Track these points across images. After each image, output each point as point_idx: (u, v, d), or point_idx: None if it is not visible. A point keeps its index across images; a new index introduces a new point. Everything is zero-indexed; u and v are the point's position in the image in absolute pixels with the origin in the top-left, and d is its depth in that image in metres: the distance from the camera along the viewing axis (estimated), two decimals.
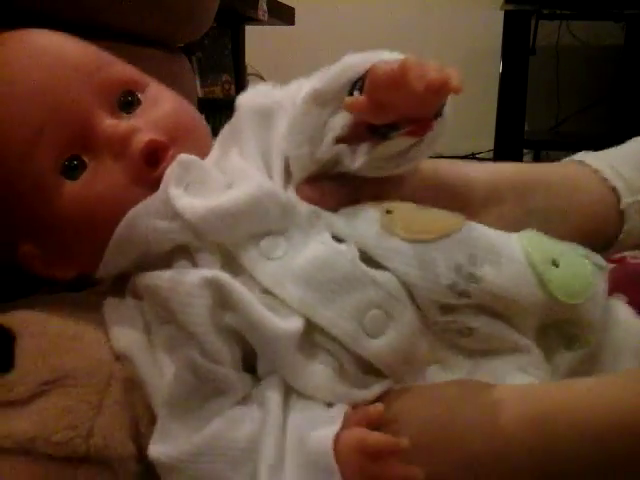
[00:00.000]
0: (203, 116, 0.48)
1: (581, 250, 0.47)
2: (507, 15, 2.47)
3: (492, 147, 2.63)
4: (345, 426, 0.39)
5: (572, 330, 0.44)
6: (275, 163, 0.45)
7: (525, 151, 2.65)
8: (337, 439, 0.38)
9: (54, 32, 0.47)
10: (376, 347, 0.41)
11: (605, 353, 0.45)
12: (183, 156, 0.44)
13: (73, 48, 0.46)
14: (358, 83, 0.43)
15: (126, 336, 0.44)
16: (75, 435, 0.40)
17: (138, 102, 0.46)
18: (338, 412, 0.40)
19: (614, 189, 0.54)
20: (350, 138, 0.44)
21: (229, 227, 0.42)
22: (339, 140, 0.43)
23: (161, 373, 0.42)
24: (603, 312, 0.45)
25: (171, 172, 0.43)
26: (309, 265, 0.41)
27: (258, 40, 2.85)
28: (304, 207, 0.44)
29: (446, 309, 0.42)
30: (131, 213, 0.43)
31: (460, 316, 0.42)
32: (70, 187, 0.43)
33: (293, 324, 0.40)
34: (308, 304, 0.41)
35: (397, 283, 0.41)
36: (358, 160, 0.43)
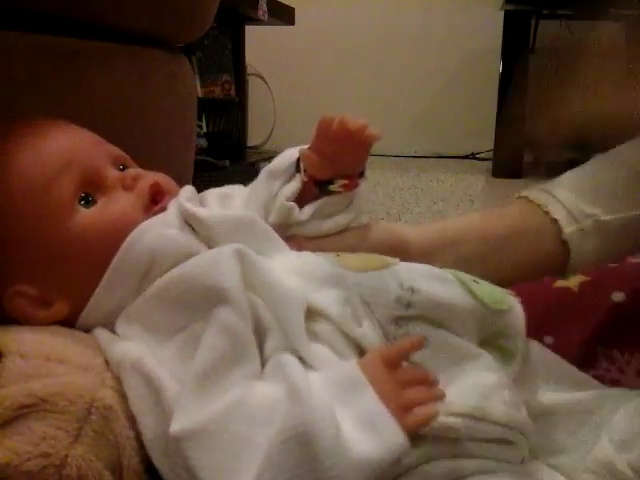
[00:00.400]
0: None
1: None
2: (507, 15, 2.47)
3: (492, 147, 2.64)
4: (362, 358, 0.43)
5: (504, 344, 0.50)
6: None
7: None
8: (360, 365, 0.42)
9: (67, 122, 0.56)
10: (361, 332, 0.46)
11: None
12: (189, 186, 0.54)
13: (83, 129, 0.55)
14: (297, 166, 0.56)
15: (135, 347, 0.45)
16: (48, 464, 0.38)
17: None
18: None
19: (555, 221, 0.58)
20: (297, 205, 0.54)
21: (236, 233, 0.49)
22: (293, 197, 0.55)
23: (171, 375, 0.43)
24: (524, 326, 0.50)
25: (181, 194, 0.52)
26: (298, 262, 0.49)
27: (258, 40, 2.86)
28: (277, 236, 0.52)
29: (399, 321, 0.47)
30: (140, 226, 0.49)
31: (413, 327, 0.47)
32: (85, 213, 0.49)
33: (300, 296, 0.46)
34: (306, 289, 0.46)
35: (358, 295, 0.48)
36: (305, 213, 0.54)
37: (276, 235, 0.52)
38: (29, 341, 0.44)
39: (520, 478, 0.45)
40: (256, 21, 2.45)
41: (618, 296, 0.64)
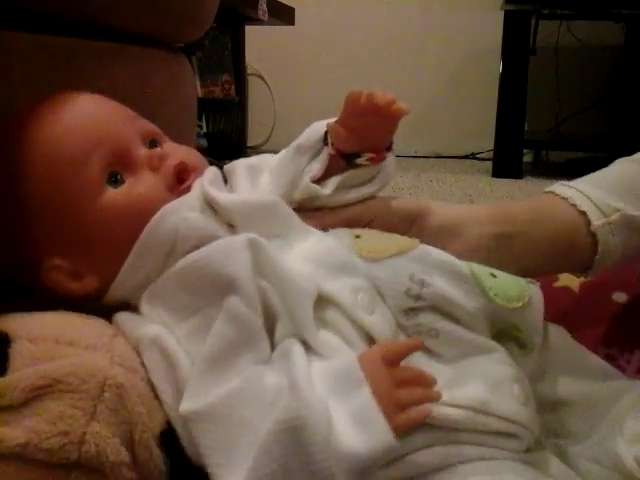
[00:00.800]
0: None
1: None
2: (507, 15, 2.47)
3: (492, 147, 2.64)
4: (362, 353, 0.44)
5: (520, 336, 0.50)
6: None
7: (525, 151, 2.65)
8: (358, 360, 0.43)
9: (101, 95, 0.57)
10: (370, 320, 0.47)
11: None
12: (212, 167, 0.55)
13: (117, 103, 0.56)
14: (325, 140, 0.55)
15: (154, 325, 0.47)
16: (67, 442, 0.40)
17: (161, 147, 0.56)
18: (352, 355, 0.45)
19: (583, 213, 0.57)
20: (323, 178, 0.55)
21: (255, 218, 0.50)
22: (314, 181, 0.55)
23: (188, 354, 0.45)
24: (541, 320, 0.50)
25: (205, 175, 0.53)
26: (315, 250, 0.50)
27: (258, 40, 2.86)
28: (299, 220, 0.53)
29: (409, 313, 0.48)
30: (163, 208, 0.50)
31: (423, 318, 0.48)
32: (112, 193, 0.51)
33: (310, 285, 0.47)
34: (318, 276, 0.48)
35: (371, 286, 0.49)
36: (330, 187, 0.55)
37: (297, 219, 0.53)
38: (37, 326, 0.45)
39: (521, 466, 0.45)
40: (256, 21, 2.45)
41: (619, 296, 0.64)
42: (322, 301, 0.47)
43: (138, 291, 0.50)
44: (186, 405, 0.42)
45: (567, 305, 0.66)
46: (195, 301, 0.47)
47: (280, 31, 2.84)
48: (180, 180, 0.53)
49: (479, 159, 3.01)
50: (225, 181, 0.57)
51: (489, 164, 2.66)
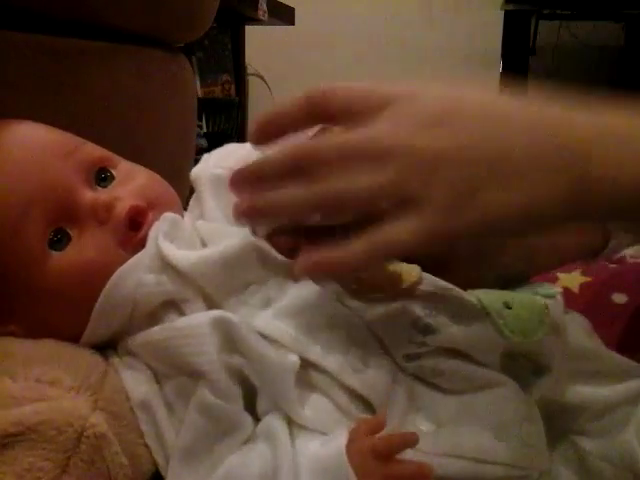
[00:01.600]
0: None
1: (529, 289, 0.49)
2: (507, 15, 2.47)
3: None
4: (352, 439, 0.40)
5: (538, 359, 0.46)
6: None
7: None
8: (347, 451, 0.39)
9: (31, 123, 0.50)
10: (359, 381, 0.43)
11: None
12: (168, 214, 0.47)
13: (49, 136, 0.50)
14: None
15: (141, 386, 0.44)
16: None
17: (112, 177, 0.49)
18: (341, 432, 0.41)
19: None
20: None
21: (219, 275, 0.44)
22: None
23: (177, 423, 0.43)
24: (562, 342, 0.47)
25: (157, 228, 0.46)
26: (297, 306, 0.44)
27: (258, 40, 2.86)
28: (281, 257, 0.46)
29: (412, 356, 0.44)
30: (118, 271, 0.45)
31: (426, 361, 0.44)
32: (58, 257, 0.45)
33: (290, 359, 0.43)
34: (300, 341, 0.43)
35: (367, 330, 0.44)
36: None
37: (277, 257, 0.46)
38: (19, 361, 0.42)
39: None
40: (256, 21, 2.44)
41: (619, 297, 0.64)
42: (307, 365, 0.43)
43: (110, 343, 0.47)
44: None
45: (566, 306, 0.66)
46: (169, 370, 0.44)
47: (280, 31, 2.83)
48: (135, 226, 0.46)
49: None
50: (191, 193, 0.51)
51: None
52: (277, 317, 0.44)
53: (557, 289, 0.49)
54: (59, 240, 0.46)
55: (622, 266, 0.71)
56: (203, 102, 2.24)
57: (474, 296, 0.45)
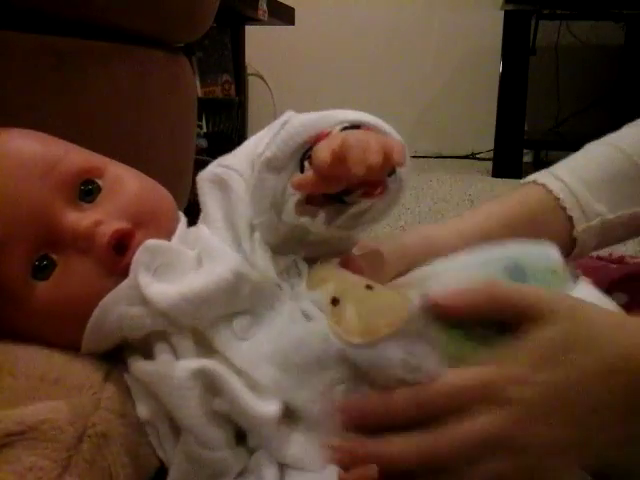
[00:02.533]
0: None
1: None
2: (507, 15, 2.47)
3: (492, 147, 2.64)
4: None
5: None
6: (241, 228, 0.44)
7: (525, 151, 2.65)
8: None
9: (12, 133, 0.47)
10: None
11: None
12: (149, 242, 0.44)
13: (29, 149, 0.46)
14: (308, 154, 0.43)
15: (147, 404, 0.43)
16: None
17: (98, 189, 0.46)
18: (331, 472, 0.40)
19: (570, 218, 0.59)
20: (312, 199, 0.43)
21: (200, 311, 0.42)
22: (303, 202, 0.43)
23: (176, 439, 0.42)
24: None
25: (138, 259, 0.43)
26: (283, 346, 0.42)
27: (258, 40, 2.86)
28: (269, 284, 0.44)
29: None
30: (102, 303, 0.43)
31: None
32: (42, 287, 0.44)
33: (272, 407, 0.41)
34: (283, 386, 0.41)
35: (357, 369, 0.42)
36: (320, 221, 0.43)
37: (271, 287, 0.43)
38: (23, 360, 0.42)
39: None
40: (256, 21, 2.44)
41: (619, 297, 0.64)
42: (290, 409, 0.42)
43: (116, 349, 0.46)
44: None
45: None
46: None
47: (280, 31, 2.83)
48: (121, 249, 0.43)
49: (479, 159, 3.01)
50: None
51: (489, 164, 2.66)
52: (262, 354, 0.42)
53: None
54: (44, 267, 0.44)
55: (622, 266, 0.71)
56: (203, 102, 2.24)
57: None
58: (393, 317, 0.42)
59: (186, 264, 0.44)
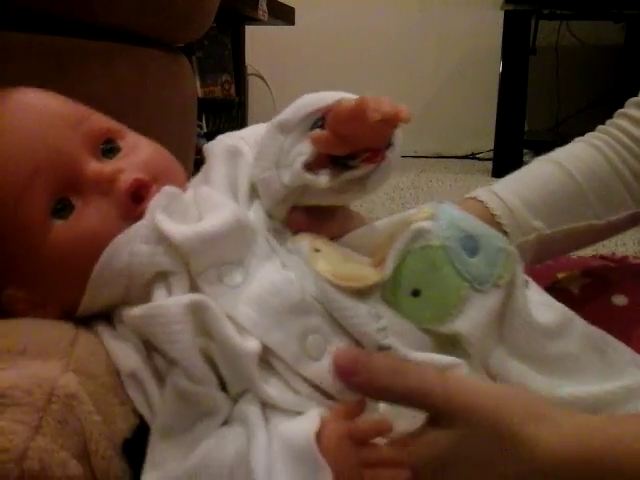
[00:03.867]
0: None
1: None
2: (507, 15, 2.47)
3: (492, 147, 2.64)
4: (328, 422, 0.41)
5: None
6: (241, 188, 0.49)
7: (525, 151, 2.65)
8: (321, 434, 0.40)
9: (40, 90, 0.51)
10: (316, 370, 0.44)
11: None
12: (167, 187, 0.48)
13: (58, 103, 0.50)
14: (318, 122, 0.47)
15: (130, 357, 0.44)
16: (7, 459, 0.37)
17: (118, 149, 0.50)
18: (314, 413, 0.42)
19: (506, 233, 0.61)
20: (316, 164, 0.47)
21: (206, 251, 0.45)
22: (306, 165, 0.47)
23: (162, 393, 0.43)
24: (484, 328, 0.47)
25: (156, 201, 0.46)
26: (264, 291, 0.45)
27: (258, 40, 2.86)
28: (261, 236, 0.48)
29: (380, 348, 0.44)
30: (114, 240, 0.45)
31: (394, 348, 0.44)
32: (60, 226, 0.46)
33: (252, 343, 0.43)
34: (261, 326, 0.44)
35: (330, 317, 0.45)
36: (324, 179, 0.47)
37: (260, 239, 0.47)
38: None
39: None
40: (256, 21, 2.45)
41: (619, 299, 0.64)
42: (268, 351, 0.44)
43: (108, 310, 0.47)
44: (149, 476, 0.41)
45: (566, 307, 0.66)
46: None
47: (280, 31, 2.83)
48: (138, 198, 0.47)
49: (479, 159, 3.01)
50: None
51: (489, 164, 2.66)
52: (245, 300, 0.44)
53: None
54: (62, 209, 0.46)
55: (623, 267, 0.71)
56: (203, 102, 2.24)
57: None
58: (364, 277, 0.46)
59: (192, 215, 0.48)
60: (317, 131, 0.46)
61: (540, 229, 0.63)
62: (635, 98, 0.68)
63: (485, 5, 2.89)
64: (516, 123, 2.54)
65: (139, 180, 0.47)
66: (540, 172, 0.67)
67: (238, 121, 2.57)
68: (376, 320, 0.45)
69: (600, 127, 0.71)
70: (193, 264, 0.45)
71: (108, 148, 0.49)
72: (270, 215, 0.49)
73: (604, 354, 0.50)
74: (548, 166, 0.67)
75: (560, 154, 0.68)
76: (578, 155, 0.67)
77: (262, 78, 3.18)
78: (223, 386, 0.44)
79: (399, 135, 0.47)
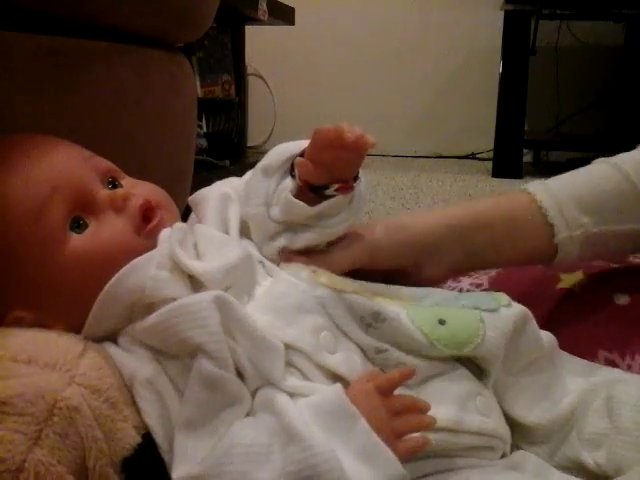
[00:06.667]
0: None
1: (471, 301, 0.54)
2: (507, 15, 2.47)
3: (492, 147, 2.64)
4: (353, 384, 0.45)
5: (477, 362, 0.52)
6: (232, 227, 0.54)
7: (525, 151, 2.65)
8: (348, 393, 0.43)
9: (52, 136, 0.55)
10: (334, 361, 0.47)
11: None
12: (179, 224, 0.52)
13: (68, 143, 0.54)
14: (296, 158, 0.53)
15: (145, 366, 0.46)
16: (4, 469, 0.36)
17: (121, 186, 0.54)
18: (336, 385, 0.45)
19: (552, 225, 0.62)
20: (298, 197, 0.52)
21: (226, 279, 0.49)
22: (294, 193, 0.52)
23: (180, 398, 0.44)
24: (499, 349, 0.51)
25: (169, 232, 0.50)
26: (271, 297, 0.50)
27: (258, 40, 2.86)
28: (257, 264, 0.53)
29: (379, 350, 0.49)
30: (134, 262, 0.48)
31: (391, 354, 0.49)
32: (77, 240, 0.49)
33: (277, 341, 0.47)
34: (276, 326, 0.47)
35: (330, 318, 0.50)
36: (309, 207, 0.52)
37: (259, 262, 0.53)
38: None
39: (506, 470, 0.48)
40: (256, 21, 2.44)
41: (620, 298, 0.64)
42: (286, 348, 0.47)
43: (111, 334, 0.48)
44: (180, 471, 0.41)
45: (568, 307, 0.66)
46: (172, 350, 0.46)
47: (280, 31, 2.83)
48: (146, 219, 0.51)
49: (479, 159, 3.01)
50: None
51: (489, 164, 2.66)
52: (255, 308, 0.48)
53: (504, 302, 0.53)
54: (78, 226, 0.50)
55: (624, 267, 0.71)
56: (203, 102, 2.24)
57: (408, 315, 0.50)
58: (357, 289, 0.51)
59: (195, 249, 0.52)
60: (299, 159, 0.52)
61: (586, 226, 0.62)
62: None
63: (485, 5, 2.89)
64: (516, 123, 2.54)
65: (149, 201, 0.52)
66: (596, 171, 0.66)
67: (238, 121, 2.56)
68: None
69: None
70: (210, 288, 0.48)
71: (113, 183, 0.54)
72: (260, 252, 0.54)
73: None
74: (606, 167, 0.66)
75: (620, 157, 0.67)
76: (638, 159, 0.66)
77: (262, 78, 3.18)
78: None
79: (363, 177, 0.54)
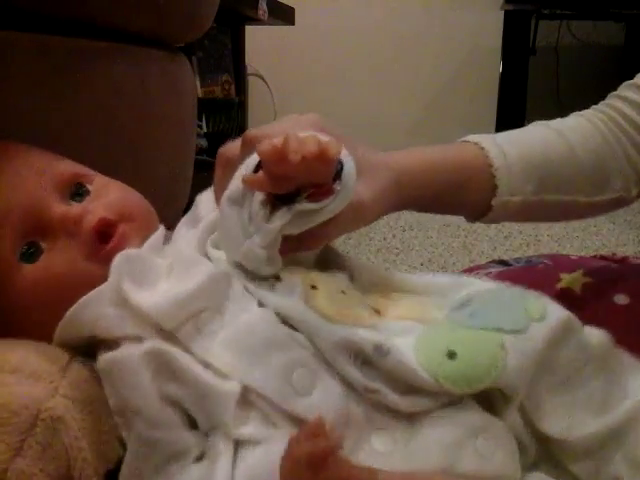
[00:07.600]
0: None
1: (495, 322, 0.46)
2: (507, 15, 2.47)
3: None
4: (290, 446, 0.39)
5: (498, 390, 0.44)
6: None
7: None
8: (282, 460, 0.39)
9: (9, 142, 0.52)
10: (304, 405, 0.42)
11: None
12: (128, 251, 0.48)
13: (27, 153, 0.51)
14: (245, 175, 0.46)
15: (113, 395, 0.44)
16: None
17: (87, 192, 0.51)
18: (282, 440, 0.40)
19: (496, 187, 0.61)
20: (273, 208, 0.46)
21: (177, 313, 0.44)
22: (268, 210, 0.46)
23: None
24: (525, 376, 0.44)
25: (119, 266, 0.46)
26: (238, 332, 0.44)
27: (258, 40, 2.85)
28: (238, 283, 0.47)
29: (369, 391, 0.43)
30: (80, 302, 0.45)
31: (384, 397, 0.43)
32: (29, 270, 0.47)
33: (229, 386, 0.42)
34: (238, 368, 0.43)
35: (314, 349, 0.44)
36: (276, 223, 0.45)
37: (235, 283, 0.47)
38: None
39: None
40: (256, 21, 2.44)
41: (621, 298, 0.64)
42: (248, 392, 0.42)
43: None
44: None
45: (568, 307, 0.66)
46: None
47: (280, 31, 2.83)
48: (104, 237, 0.48)
49: None
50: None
51: None
52: (220, 344, 0.44)
53: (536, 315, 0.46)
54: (31, 253, 0.47)
55: (624, 267, 0.71)
56: (203, 102, 2.24)
57: (415, 346, 0.44)
58: (358, 316, 0.45)
59: (159, 271, 0.48)
60: (248, 174, 0.45)
61: (528, 193, 0.62)
62: (630, 81, 0.68)
63: (485, 5, 2.89)
64: (516, 123, 2.54)
65: (104, 219, 0.48)
66: (542, 138, 0.66)
67: (238, 121, 2.56)
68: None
69: (595, 107, 0.70)
70: (165, 325, 0.44)
71: (77, 192, 0.50)
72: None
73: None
74: (551, 134, 0.66)
75: (562, 125, 0.68)
76: (578, 129, 0.67)
77: (262, 78, 3.18)
78: (194, 423, 0.43)
79: (350, 163, 0.46)
